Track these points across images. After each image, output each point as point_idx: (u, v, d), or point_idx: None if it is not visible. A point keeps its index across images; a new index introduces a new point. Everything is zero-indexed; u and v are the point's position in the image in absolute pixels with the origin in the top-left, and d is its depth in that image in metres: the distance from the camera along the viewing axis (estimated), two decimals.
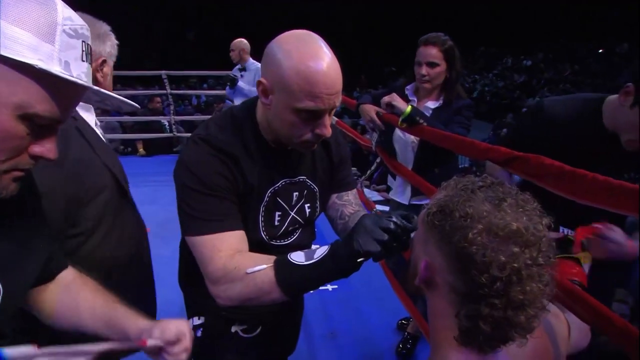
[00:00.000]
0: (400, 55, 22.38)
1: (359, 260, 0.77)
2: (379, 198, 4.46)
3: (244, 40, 4.22)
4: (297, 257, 0.81)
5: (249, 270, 0.81)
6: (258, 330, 1.15)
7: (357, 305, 2.61)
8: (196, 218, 0.87)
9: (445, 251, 0.61)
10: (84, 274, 0.83)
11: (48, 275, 0.77)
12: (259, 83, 0.86)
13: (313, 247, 0.87)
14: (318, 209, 1.10)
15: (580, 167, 0.82)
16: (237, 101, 4.18)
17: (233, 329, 1.12)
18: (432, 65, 1.73)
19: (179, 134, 6.12)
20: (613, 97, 1.17)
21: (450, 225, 0.60)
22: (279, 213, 1.01)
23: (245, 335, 1.14)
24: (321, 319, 2.45)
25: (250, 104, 0.97)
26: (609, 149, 1.16)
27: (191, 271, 1.10)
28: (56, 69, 0.52)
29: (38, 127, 0.54)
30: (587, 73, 13.78)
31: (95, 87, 0.59)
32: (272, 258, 0.84)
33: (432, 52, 1.72)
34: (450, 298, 0.62)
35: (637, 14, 13.50)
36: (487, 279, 0.55)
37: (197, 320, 1.11)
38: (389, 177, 2.19)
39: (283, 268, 0.81)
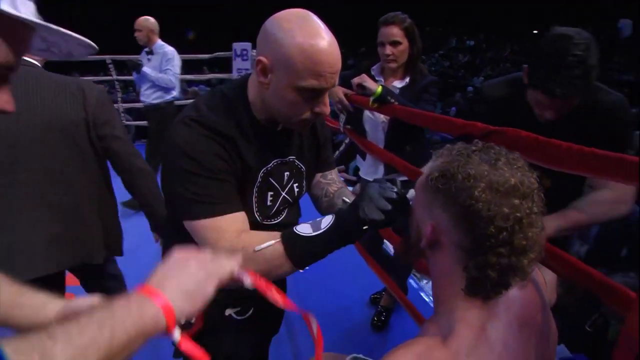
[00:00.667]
0: (349, 38, 22.47)
1: (364, 228, 0.80)
2: (341, 178, 4.53)
3: (151, 19, 3.74)
4: (304, 229, 0.84)
5: (258, 247, 0.82)
6: (250, 311, 1.17)
7: (329, 284, 2.67)
8: (198, 202, 0.86)
9: (452, 212, 0.66)
10: None
11: None
12: (258, 62, 0.84)
13: (317, 218, 0.89)
14: (304, 188, 1.12)
15: None
16: (144, 88, 3.85)
17: (227, 313, 1.13)
18: (395, 44, 1.79)
19: (127, 123, 5.83)
20: None
21: (455, 187, 0.65)
22: (271, 193, 1.02)
23: (239, 318, 1.15)
24: (296, 299, 2.47)
25: (240, 83, 0.96)
26: (534, 121, 1.26)
27: None
28: (5, 7, 0.46)
29: None
30: (524, 52, 14.60)
31: (47, 24, 0.52)
32: (277, 234, 0.85)
33: (394, 31, 1.78)
34: (457, 255, 0.68)
35: None
36: (494, 231, 0.62)
37: None
38: (358, 158, 2.24)
39: (292, 241, 0.83)
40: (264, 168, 0.97)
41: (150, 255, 1.79)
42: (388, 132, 1.93)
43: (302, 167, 1.07)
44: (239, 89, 0.94)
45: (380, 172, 2.02)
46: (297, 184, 1.07)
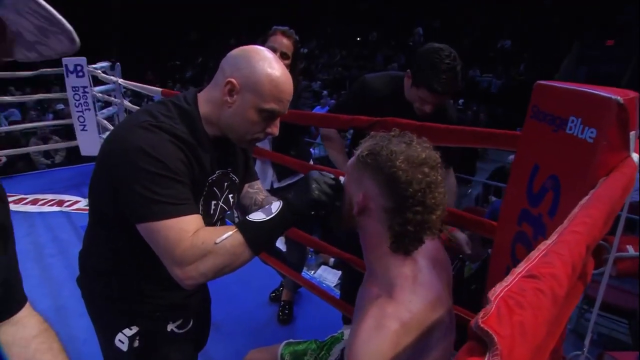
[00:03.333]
0: (183, 49, 21.79)
1: (312, 210, 0.94)
2: None
3: None
4: (257, 216, 0.93)
5: (218, 240, 0.88)
6: (190, 323, 1.20)
7: (224, 293, 2.69)
8: (162, 202, 0.87)
9: (379, 179, 0.87)
10: (50, 329, 0.73)
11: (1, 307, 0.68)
12: (227, 82, 0.94)
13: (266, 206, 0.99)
14: (237, 199, 1.21)
15: None
16: None
17: (169, 328, 1.14)
18: (285, 56, 1.91)
19: None
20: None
21: (381, 160, 0.86)
22: (214, 202, 1.08)
23: (181, 331, 1.17)
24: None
25: (190, 98, 1.01)
26: (410, 113, 1.61)
27: (116, 280, 1.07)
28: None
29: None
30: (351, 57, 16.43)
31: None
32: (229, 227, 0.93)
33: (287, 44, 1.92)
34: (382, 217, 0.88)
35: (385, 7, 16.75)
36: (411, 191, 0.83)
37: (129, 332, 1.08)
38: None
39: (248, 228, 0.91)
40: (211, 177, 1.04)
41: None
42: (274, 140, 2.06)
43: (236, 179, 1.16)
44: (191, 103, 1.00)
45: (269, 179, 2.16)
46: (232, 195, 1.15)
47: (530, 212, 0.94)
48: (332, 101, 10.60)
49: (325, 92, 12.18)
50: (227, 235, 0.89)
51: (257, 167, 2.19)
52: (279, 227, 0.94)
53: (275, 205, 0.95)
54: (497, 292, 0.33)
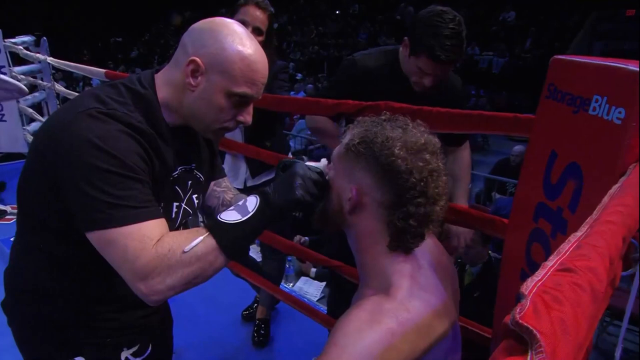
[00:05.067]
0: (124, 25, 21.37)
1: (296, 207, 0.94)
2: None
3: None
4: (230, 216, 0.91)
5: (187, 248, 0.86)
6: (149, 350, 1.18)
7: (190, 313, 2.67)
8: (119, 206, 0.85)
9: (374, 171, 0.88)
10: None
11: None
12: (190, 62, 0.91)
13: (239, 202, 0.97)
14: (202, 200, 1.19)
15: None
16: None
17: (123, 356, 1.12)
18: (258, 31, 1.88)
19: None
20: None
21: (376, 148, 0.87)
22: (176, 204, 1.07)
23: (137, 359, 1.15)
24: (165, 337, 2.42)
25: (147, 80, 0.98)
26: (408, 90, 1.64)
27: (56, 301, 1.04)
28: None
29: None
30: (329, 33, 16.48)
31: None
32: (198, 229, 0.91)
33: (261, 17, 1.89)
34: (379, 213, 0.89)
35: None
36: (412, 183, 0.84)
37: None
38: None
39: (222, 231, 0.90)
40: (172, 175, 1.02)
41: None
42: (247, 132, 2.06)
43: (200, 177, 1.14)
44: (148, 86, 0.97)
45: (242, 175, 2.16)
46: (196, 195, 1.14)
47: (548, 206, 0.96)
48: (310, 86, 10.60)
49: (299, 75, 12.17)
50: (198, 241, 0.88)
51: (228, 162, 2.18)
52: (258, 228, 0.94)
53: (252, 202, 0.93)
54: (529, 287, 0.34)
